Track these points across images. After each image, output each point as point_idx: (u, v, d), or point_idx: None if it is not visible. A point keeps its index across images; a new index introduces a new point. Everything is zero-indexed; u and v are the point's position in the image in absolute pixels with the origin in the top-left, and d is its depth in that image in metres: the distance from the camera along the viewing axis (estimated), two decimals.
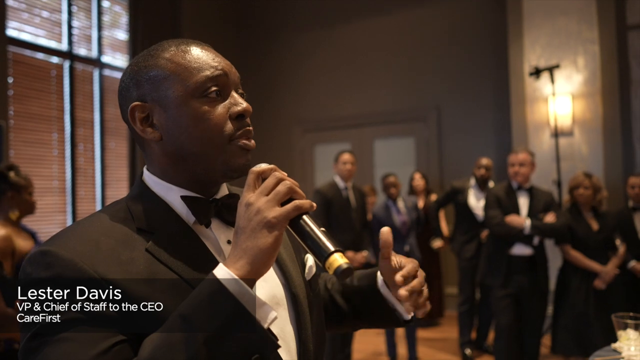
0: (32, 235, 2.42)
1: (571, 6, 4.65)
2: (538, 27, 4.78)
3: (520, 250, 3.22)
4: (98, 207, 5.14)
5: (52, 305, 0.64)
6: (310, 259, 0.89)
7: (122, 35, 5.61)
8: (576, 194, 3.34)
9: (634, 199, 3.78)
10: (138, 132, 0.77)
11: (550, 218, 3.17)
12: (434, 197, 4.94)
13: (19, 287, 0.68)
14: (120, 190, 5.40)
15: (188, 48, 0.78)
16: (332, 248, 0.67)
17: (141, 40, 5.42)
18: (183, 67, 0.76)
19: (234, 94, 0.78)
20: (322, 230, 0.69)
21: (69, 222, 4.91)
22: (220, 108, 0.76)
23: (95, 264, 0.66)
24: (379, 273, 0.92)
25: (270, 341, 0.64)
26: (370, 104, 6.06)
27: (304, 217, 0.69)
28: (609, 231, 3.32)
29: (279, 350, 0.74)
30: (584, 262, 3.22)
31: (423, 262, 4.48)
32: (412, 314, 0.89)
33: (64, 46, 4.94)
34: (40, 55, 4.74)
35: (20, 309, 0.66)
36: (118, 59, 5.55)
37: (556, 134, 4.33)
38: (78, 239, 0.70)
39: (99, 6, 5.30)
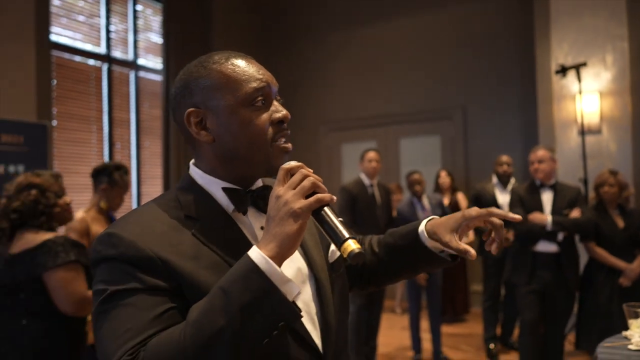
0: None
1: (599, 3, 4.61)
2: (565, 24, 4.76)
3: (544, 247, 3.23)
4: (134, 202, 5.38)
5: (118, 277, 0.78)
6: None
7: (156, 38, 5.84)
8: (601, 192, 3.35)
9: None
10: (193, 134, 0.89)
11: (575, 214, 3.18)
12: (460, 195, 4.98)
13: (92, 262, 0.83)
14: (154, 187, 5.63)
15: (236, 61, 0.89)
16: (346, 235, 0.77)
17: (174, 43, 5.62)
18: (233, 79, 0.87)
19: (275, 102, 0.90)
20: (340, 220, 0.80)
21: None
22: (265, 115, 0.88)
23: (151, 244, 0.79)
24: (420, 230, 1.02)
25: (294, 311, 0.74)
26: (396, 102, 6.12)
27: (325, 208, 0.80)
28: (635, 229, 3.31)
29: (305, 322, 0.86)
30: (609, 260, 3.23)
31: None
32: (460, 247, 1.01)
33: (102, 50, 5.19)
34: (80, 59, 4.99)
35: (94, 281, 0.81)
36: (152, 61, 5.78)
37: (583, 132, 4.32)
38: (137, 223, 0.83)
39: (134, 10, 5.54)
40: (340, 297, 0.97)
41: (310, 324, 0.88)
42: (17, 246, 1.91)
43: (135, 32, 5.57)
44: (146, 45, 5.75)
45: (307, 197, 0.78)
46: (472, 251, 0.92)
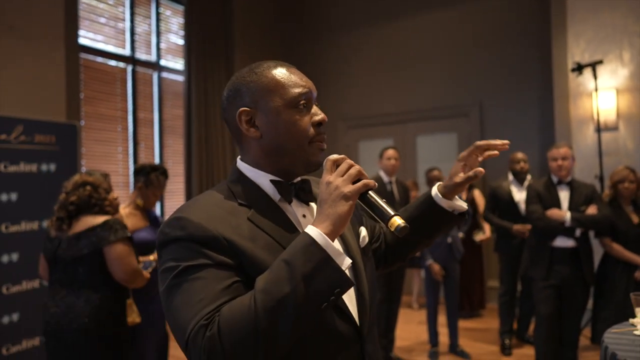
0: (157, 219, 3.01)
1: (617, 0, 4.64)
2: (582, 21, 4.78)
3: (562, 242, 3.29)
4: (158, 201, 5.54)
5: (188, 255, 0.89)
6: (363, 231, 1.12)
7: (177, 39, 5.99)
8: (621, 188, 3.38)
9: None
10: (243, 130, 1.00)
11: (592, 210, 3.24)
12: (476, 192, 5.05)
13: (159, 244, 0.94)
14: (177, 184, 5.79)
15: (282, 69, 1.01)
16: (392, 212, 0.90)
17: (195, 44, 5.77)
18: (281, 84, 0.99)
19: (314, 106, 1.03)
20: (384, 201, 0.92)
21: None
22: (307, 117, 1.00)
23: (216, 226, 0.90)
24: (434, 193, 1.19)
25: (347, 279, 0.85)
26: (413, 100, 6.19)
27: (370, 192, 0.92)
28: None
29: (344, 298, 0.97)
30: (624, 255, 3.28)
31: (465, 255, 4.59)
32: (463, 206, 1.19)
33: (127, 51, 5.36)
34: (106, 60, 5.17)
35: (163, 260, 0.92)
36: (173, 62, 5.94)
37: (599, 129, 4.35)
38: (200, 209, 0.95)
39: (157, 13, 5.70)
40: (371, 277, 1.08)
41: (348, 300, 0.99)
42: (79, 227, 2.24)
43: (158, 34, 5.73)
44: (168, 46, 5.91)
45: (353, 182, 0.90)
46: (479, 169, 1.14)
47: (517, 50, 5.59)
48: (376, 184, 0.92)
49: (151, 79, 5.67)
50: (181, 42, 5.93)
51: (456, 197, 1.20)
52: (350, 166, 0.92)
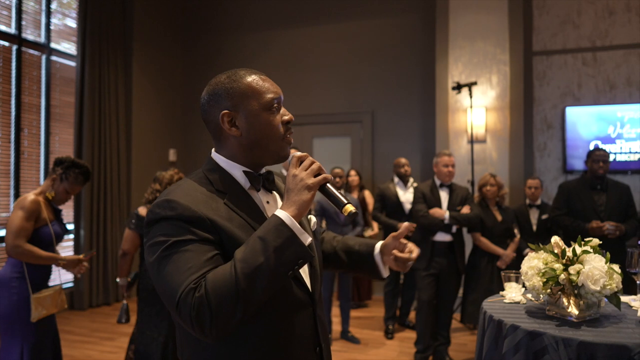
0: (58, 212, 2.81)
1: (489, 31, 5.41)
2: (461, 47, 5.50)
3: (441, 237, 3.80)
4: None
5: (177, 231, 1.03)
6: (313, 218, 1.34)
7: (70, 22, 5.64)
8: (484, 190, 4.01)
9: (530, 198, 4.57)
10: (225, 129, 1.16)
11: (465, 210, 3.79)
12: (366, 192, 5.51)
13: (150, 221, 1.07)
14: None
15: (256, 77, 1.19)
16: (345, 201, 1.12)
17: (90, 27, 5.49)
18: (257, 91, 1.16)
19: (283, 108, 1.21)
20: (339, 192, 1.14)
21: (12, 205, 4.92)
22: (278, 117, 1.18)
23: (200, 208, 1.06)
24: (377, 246, 1.37)
25: (308, 253, 1.06)
26: (311, 105, 6.52)
27: (327, 184, 1.13)
28: (509, 222, 4.04)
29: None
30: (490, 247, 3.90)
31: None
32: (388, 274, 1.38)
33: (12, 30, 4.94)
34: None
35: (152, 235, 1.05)
36: (66, 46, 5.59)
37: (472, 140, 5.05)
38: (185, 193, 1.09)
39: None
40: (319, 254, 1.30)
41: (302, 271, 1.20)
42: None
43: (49, 13, 5.35)
44: (60, 28, 5.55)
45: (315, 176, 1.11)
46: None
47: (406, 67, 6.19)
48: (332, 177, 1.14)
49: (39, 61, 5.28)
50: (74, 24, 5.59)
51: (387, 267, 1.37)
52: (312, 162, 1.13)
